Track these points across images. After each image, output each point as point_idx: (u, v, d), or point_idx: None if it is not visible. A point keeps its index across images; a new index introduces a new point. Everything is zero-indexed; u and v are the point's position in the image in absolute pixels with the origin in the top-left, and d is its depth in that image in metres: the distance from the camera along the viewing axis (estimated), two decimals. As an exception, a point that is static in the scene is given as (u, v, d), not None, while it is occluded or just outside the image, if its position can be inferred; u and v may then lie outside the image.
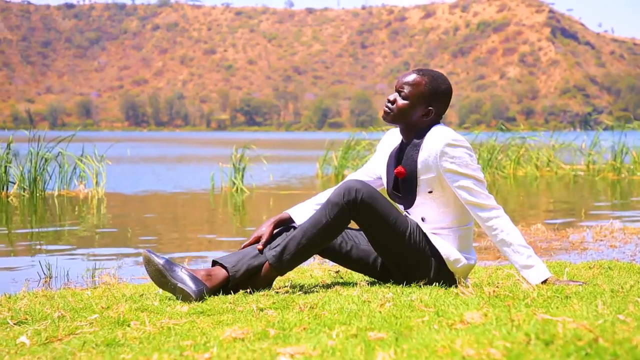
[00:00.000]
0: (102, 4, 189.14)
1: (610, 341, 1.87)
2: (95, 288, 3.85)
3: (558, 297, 2.81)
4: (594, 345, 1.85)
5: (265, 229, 3.33)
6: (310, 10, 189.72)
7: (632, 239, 6.08)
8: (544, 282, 3.14)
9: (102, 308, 3.04)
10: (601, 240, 6.09)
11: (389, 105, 3.30)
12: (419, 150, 3.27)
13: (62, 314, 2.90)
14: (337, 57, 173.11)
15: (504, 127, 17.18)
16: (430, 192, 3.26)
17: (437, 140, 3.21)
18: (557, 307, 2.60)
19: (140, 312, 2.93)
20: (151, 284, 3.69)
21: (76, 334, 2.59)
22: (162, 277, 3.17)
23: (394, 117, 3.30)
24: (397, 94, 3.32)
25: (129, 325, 2.70)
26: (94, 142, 13.22)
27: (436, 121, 3.33)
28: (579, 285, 3.11)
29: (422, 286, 3.23)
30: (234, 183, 12.29)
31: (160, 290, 3.38)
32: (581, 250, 5.62)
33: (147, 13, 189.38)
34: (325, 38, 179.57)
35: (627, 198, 11.43)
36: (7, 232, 7.53)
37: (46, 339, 2.53)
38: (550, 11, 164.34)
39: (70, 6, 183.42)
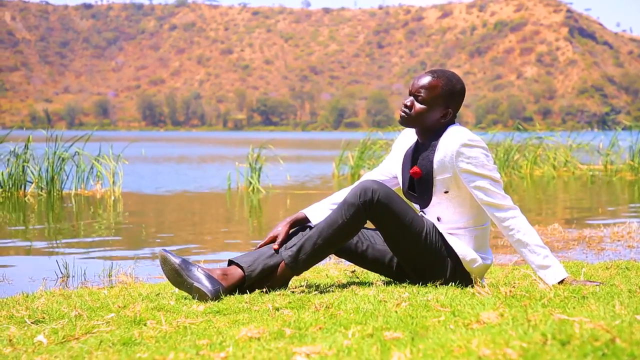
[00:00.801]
0: (120, 4, 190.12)
1: (627, 341, 1.86)
2: (112, 287, 3.87)
3: (575, 297, 2.79)
4: (611, 346, 1.84)
5: (281, 229, 3.34)
6: (327, 10, 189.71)
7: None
8: (561, 282, 3.13)
9: (119, 307, 3.06)
10: (618, 241, 6.04)
11: (406, 110, 3.29)
12: (435, 150, 3.26)
13: (79, 313, 2.92)
14: (354, 57, 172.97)
15: (521, 127, 17.10)
16: (446, 192, 3.25)
17: (453, 141, 3.21)
18: (574, 308, 2.58)
19: (156, 311, 2.95)
20: (167, 283, 3.70)
21: (93, 333, 2.61)
22: (178, 277, 3.18)
23: (411, 121, 3.30)
24: (413, 98, 3.31)
25: (145, 325, 2.72)
26: (111, 141, 13.29)
27: (452, 121, 3.32)
28: (596, 285, 3.09)
29: (438, 286, 3.22)
30: (251, 183, 12.31)
31: (177, 290, 3.40)
32: (598, 251, 5.58)
33: (164, 13, 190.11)
34: (341, 38, 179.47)
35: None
36: (24, 231, 7.59)
37: (63, 338, 2.54)
38: (568, 11, 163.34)
39: (88, 6, 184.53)
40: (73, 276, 4.83)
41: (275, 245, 3.30)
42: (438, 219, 3.30)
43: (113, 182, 11.45)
